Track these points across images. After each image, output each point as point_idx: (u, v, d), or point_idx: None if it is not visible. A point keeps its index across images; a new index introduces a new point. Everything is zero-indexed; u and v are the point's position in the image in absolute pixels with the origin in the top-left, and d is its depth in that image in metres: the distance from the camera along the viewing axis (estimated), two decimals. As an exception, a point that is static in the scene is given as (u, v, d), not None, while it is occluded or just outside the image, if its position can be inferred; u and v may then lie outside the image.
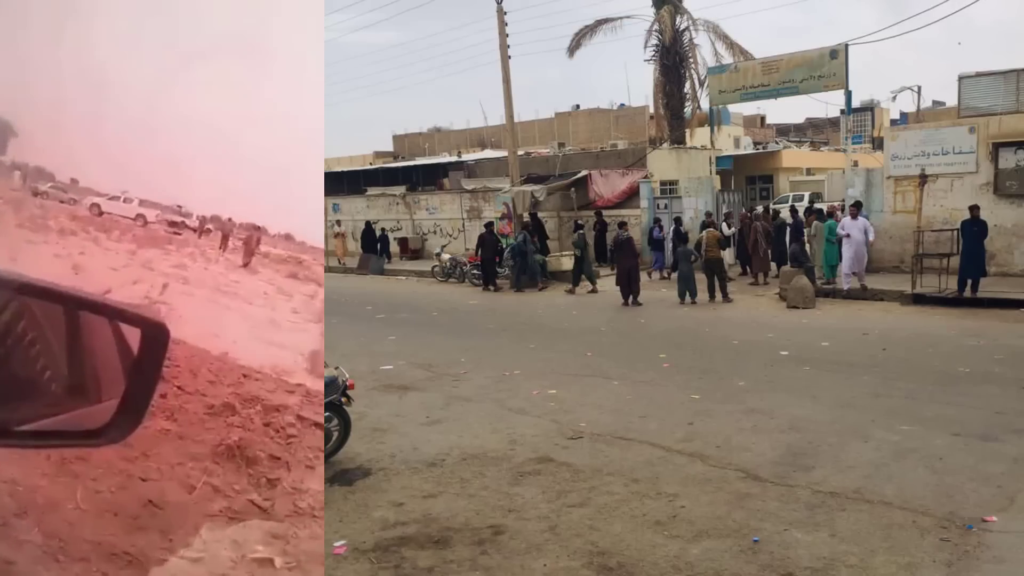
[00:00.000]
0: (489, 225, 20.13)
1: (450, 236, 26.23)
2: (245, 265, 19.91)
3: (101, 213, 25.50)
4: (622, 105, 44.02)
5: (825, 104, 68.01)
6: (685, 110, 25.06)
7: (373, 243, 26.26)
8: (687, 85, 24.54)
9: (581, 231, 18.28)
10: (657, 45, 24.28)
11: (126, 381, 1.29)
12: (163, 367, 1.33)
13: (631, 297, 15.09)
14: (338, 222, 29.52)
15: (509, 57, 21.72)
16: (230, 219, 25.51)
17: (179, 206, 30.49)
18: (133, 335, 1.28)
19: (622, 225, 16.80)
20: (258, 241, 21.47)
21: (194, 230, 28.73)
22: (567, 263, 18.77)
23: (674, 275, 16.61)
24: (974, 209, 13.27)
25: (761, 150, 34.78)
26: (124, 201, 27.50)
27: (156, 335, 1.26)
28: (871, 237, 14.68)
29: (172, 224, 27.93)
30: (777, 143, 40.65)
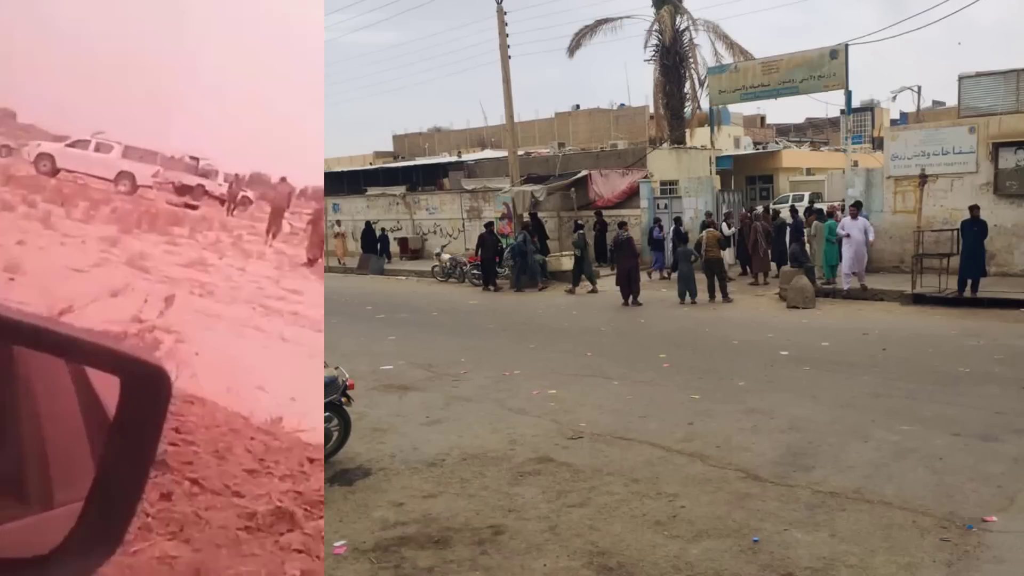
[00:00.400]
0: (489, 225, 20.13)
1: (450, 236, 26.23)
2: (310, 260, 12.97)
3: (55, 171, 14.58)
4: (622, 105, 44.02)
5: (825, 104, 68.00)
6: (685, 110, 25.06)
7: (373, 243, 26.25)
8: (687, 85, 24.55)
9: (581, 231, 18.29)
10: (657, 45, 24.29)
11: (96, 467, 0.77)
12: (161, 443, 0.80)
13: (631, 297, 15.09)
14: (338, 222, 29.52)
15: (509, 57, 21.73)
16: (284, 179, 15.85)
17: (194, 158, 17.76)
18: (107, 387, 0.77)
19: (622, 225, 16.81)
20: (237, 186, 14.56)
21: (221, 200, 17.27)
22: (567, 263, 18.77)
23: (674, 275, 16.61)
24: (974, 209, 13.27)
25: (761, 150, 34.78)
26: (96, 149, 15.52)
27: (148, 387, 0.76)
28: (871, 237, 14.68)
29: (183, 189, 16.58)
30: (777, 143, 40.65)
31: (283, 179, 16.42)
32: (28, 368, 0.75)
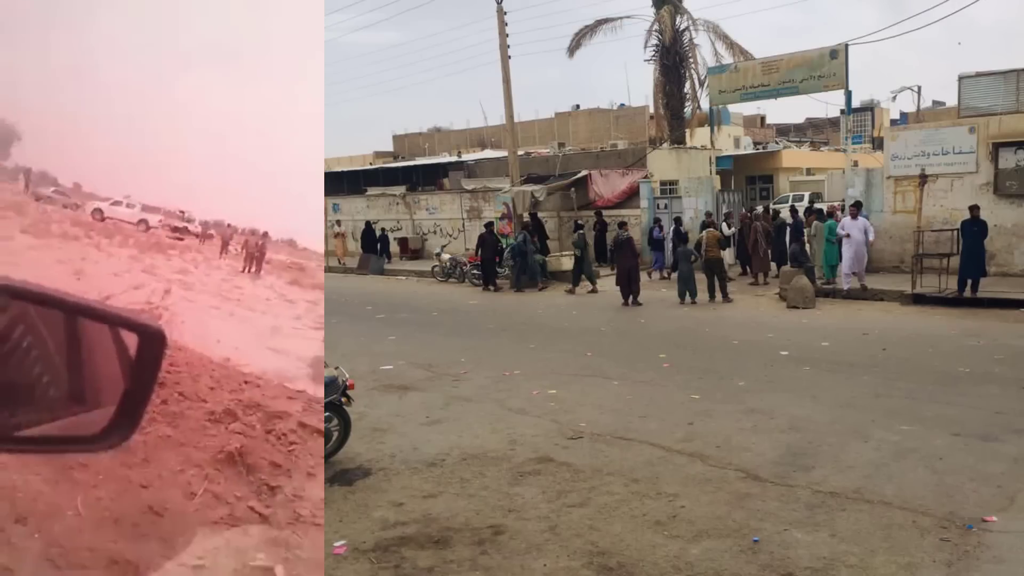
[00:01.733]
0: (489, 225, 20.12)
1: (450, 236, 26.23)
2: (249, 271, 19.73)
3: (104, 218, 25.24)
4: (622, 105, 44.02)
5: (825, 104, 68.05)
6: (685, 110, 25.06)
7: (373, 243, 26.25)
8: (687, 85, 24.55)
9: (581, 231, 18.28)
10: (657, 45, 24.29)
11: (123, 386, 1.28)
12: (161, 372, 1.32)
13: (631, 297, 15.09)
14: (338, 222, 29.52)
15: (509, 57, 21.73)
16: (230, 225, 25.95)
17: (181, 211, 30.26)
18: (132, 341, 1.27)
19: (622, 225, 16.80)
20: (261, 247, 21.08)
21: (196, 236, 28.46)
22: (567, 263, 18.77)
23: (674, 275, 16.61)
24: (974, 209, 13.27)
25: (761, 150, 34.79)
26: (127, 206, 26.97)
27: (153, 341, 1.25)
28: (871, 237, 14.68)
29: (175, 229, 27.71)
30: (777, 143, 40.67)
31: (229, 225, 26.20)
32: (86, 331, 1.28)
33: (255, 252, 20.34)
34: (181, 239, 25.84)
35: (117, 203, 27.06)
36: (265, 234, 22.03)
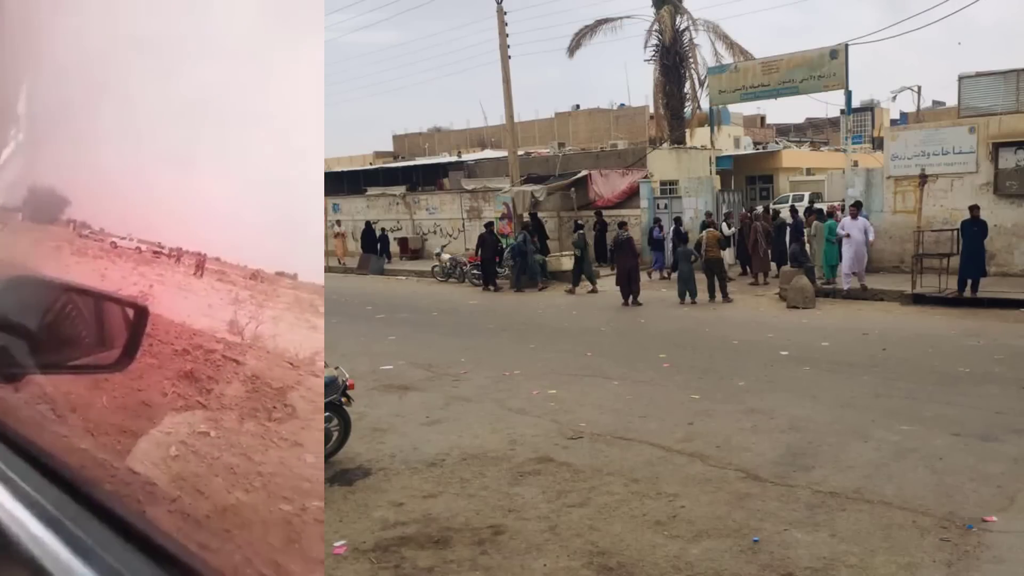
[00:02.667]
0: (489, 225, 20.12)
1: (450, 236, 26.23)
2: (196, 275, 21.01)
3: (115, 246, 27.21)
4: (622, 105, 44.05)
5: (825, 104, 68.12)
6: (685, 110, 25.08)
7: (373, 243, 26.25)
8: (687, 85, 24.56)
9: (581, 231, 18.28)
10: (657, 45, 24.30)
11: (126, 336, 2.06)
12: (147, 328, 2.13)
13: (631, 297, 15.09)
14: (338, 222, 29.52)
15: (509, 57, 21.73)
16: (200, 252, 28.22)
17: (160, 243, 34.62)
18: (130, 311, 2.10)
19: (622, 225, 16.80)
20: (202, 263, 22.42)
21: (168, 256, 31.29)
22: (567, 263, 18.77)
23: (674, 275, 16.61)
24: (974, 209, 13.27)
25: (761, 150, 34.80)
26: (128, 240, 30.19)
27: (143, 312, 2.09)
28: (871, 237, 14.68)
29: (156, 252, 30.56)
30: (777, 143, 40.68)
31: (199, 252, 31.49)
32: (105, 307, 2.17)
33: (201, 262, 21.31)
34: (158, 256, 28.10)
35: (124, 239, 31.31)
36: (203, 255, 23.37)
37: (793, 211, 17.46)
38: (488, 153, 36.33)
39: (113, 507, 1.63)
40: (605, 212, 21.43)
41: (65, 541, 1.49)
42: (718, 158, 23.33)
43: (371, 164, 41.12)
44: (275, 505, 2.01)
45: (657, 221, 19.92)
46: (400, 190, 29.18)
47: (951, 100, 23.75)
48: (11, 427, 2.22)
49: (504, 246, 20.05)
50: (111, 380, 2.45)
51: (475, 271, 20.06)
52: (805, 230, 16.10)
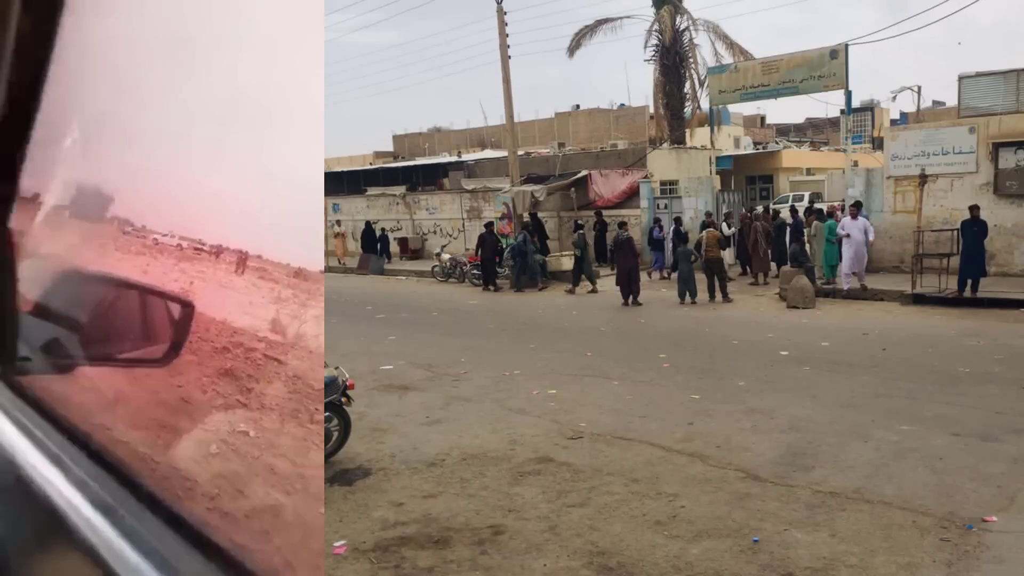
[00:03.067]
0: (489, 225, 20.12)
1: (450, 236, 26.23)
2: (238, 272, 20.87)
3: (157, 243, 27.67)
4: (622, 105, 44.06)
5: (825, 104, 68.21)
6: (685, 110, 25.08)
7: (373, 243, 26.25)
8: (687, 85, 24.56)
9: (581, 231, 18.28)
10: (657, 45, 24.30)
11: (172, 331, 2.12)
12: (191, 325, 2.16)
13: (631, 297, 15.09)
14: (338, 222, 29.52)
15: (509, 57, 21.73)
16: (242, 250, 28.71)
17: (200, 240, 35.11)
18: (176, 308, 2.16)
19: (622, 225, 16.80)
20: (243, 260, 22.54)
21: (209, 252, 31.76)
22: (567, 263, 18.77)
23: (674, 275, 16.61)
24: (974, 209, 13.27)
25: (761, 150, 34.80)
26: (170, 237, 31.26)
27: (189, 307, 2.12)
28: (871, 237, 14.68)
29: (196, 249, 31.40)
30: (777, 143, 40.68)
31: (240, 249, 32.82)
32: (152, 302, 2.27)
33: (243, 259, 21.27)
34: (199, 253, 28.54)
35: (164, 235, 33.12)
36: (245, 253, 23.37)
37: (793, 211, 17.46)
38: (488, 153, 36.34)
39: (163, 498, 1.70)
40: (605, 212, 21.43)
41: (119, 529, 1.60)
42: (718, 158, 23.32)
43: (371, 164, 41.13)
44: (316, 508, 1.97)
45: (657, 221, 19.92)
46: (400, 190, 29.18)
47: (951, 100, 23.79)
48: (66, 417, 2.30)
49: (504, 246, 20.05)
50: (151, 375, 2.48)
51: (475, 271, 20.05)
52: (805, 230, 16.09)
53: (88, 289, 2.42)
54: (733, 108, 35.74)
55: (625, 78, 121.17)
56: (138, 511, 1.66)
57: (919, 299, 13.49)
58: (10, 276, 2.89)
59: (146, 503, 1.68)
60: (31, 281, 2.77)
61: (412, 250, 27.02)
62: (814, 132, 49.16)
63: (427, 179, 31.63)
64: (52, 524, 1.81)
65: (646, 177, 22.19)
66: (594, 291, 17.16)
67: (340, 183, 32.63)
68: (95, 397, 2.50)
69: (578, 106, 46.49)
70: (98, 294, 2.37)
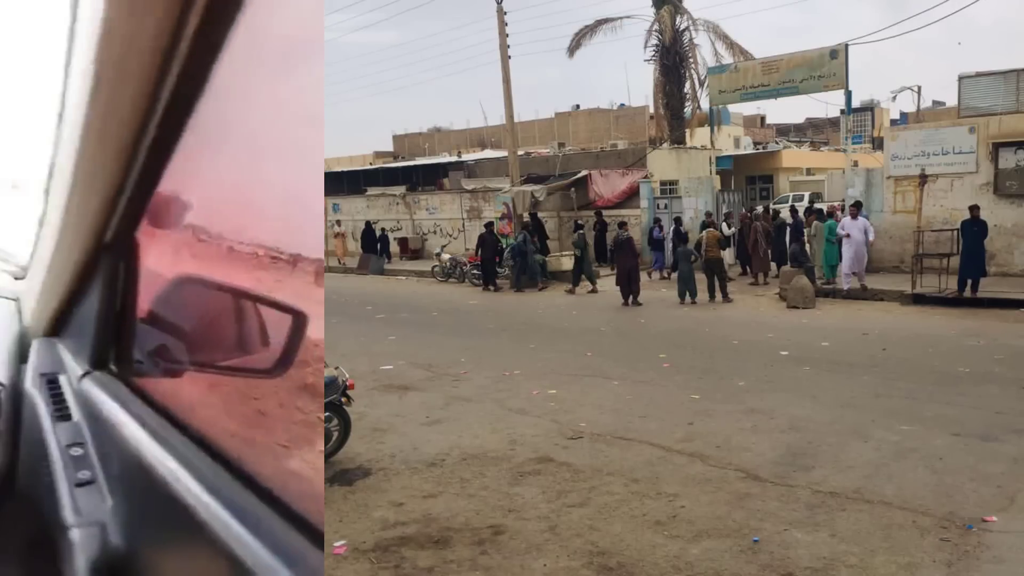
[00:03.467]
0: (489, 225, 20.12)
1: (450, 236, 26.23)
2: (317, 283, 21.73)
3: (233, 251, 28.22)
4: (622, 105, 44.08)
5: (825, 104, 68.26)
6: (685, 110, 25.08)
7: (373, 243, 26.25)
8: (687, 85, 24.56)
9: (581, 231, 18.28)
10: (657, 45, 24.31)
11: (283, 343, 2.00)
12: (303, 337, 2.00)
13: (631, 297, 15.09)
14: (338, 222, 29.53)
15: (509, 57, 21.73)
16: (320, 259, 29.30)
17: (278, 248, 37.10)
18: (287, 318, 2.02)
19: (622, 225, 16.80)
20: (320, 270, 23.18)
21: (286, 261, 32.80)
22: (567, 263, 18.77)
23: (674, 275, 16.61)
24: (974, 209, 13.27)
25: (761, 150, 34.81)
26: (246, 245, 32.78)
27: (302, 318, 2.00)
28: (871, 237, 14.68)
29: (273, 257, 32.64)
30: (777, 143, 40.68)
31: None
32: (262, 310, 2.18)
33: (320, 270, 22.05)
34: (276, 262, 29.12)
35: (240, 243, 34.86)
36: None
37: (793, 211, 17.46)
38: (488, 153, 36.35)
39: (281, 495, 1.76)
40: (605, 212, 21.43)
41: (244, 523, 1.71)
42: (718, 158, 23.32)
43: (371, 164, 41.14)
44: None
45: (657, 221, 19.92)
46: (400, 190, 29.18)
47: (951, 100, 23.81)
48: (185, 419, 2.36)
49: (504, 246, 20.05)
50: (224, 384, 2.45)
51: (475, 271, 20.05)
52: (805, 230, 16.09)
53: (199, 295, 2.40)
54: (733, 108, 35.76)
55: (625, 78, 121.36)
56: (261, 508, 1.74)
57: (919, 299, 13.49)
58: (134, 285, 2.91)
59: (265, 500, 1.76)
60: (145, 288, 2.84)
61: (412, 250, 27.02)
62: (814, 132, 49.17)
63: (427, 179, 31.64)
64: (176, 511, 1.95)
65: (646, 177, 22.19)
66: (594, 291, 17.16)
67: (340, 183, 32.63)
68: (196, 399, 2.52)
69: (578, 106, 46.52)
70: (209, 300, 2.35)
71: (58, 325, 3.80)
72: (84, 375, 3.20)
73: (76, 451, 2.88)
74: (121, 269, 2.96)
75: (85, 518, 2.53)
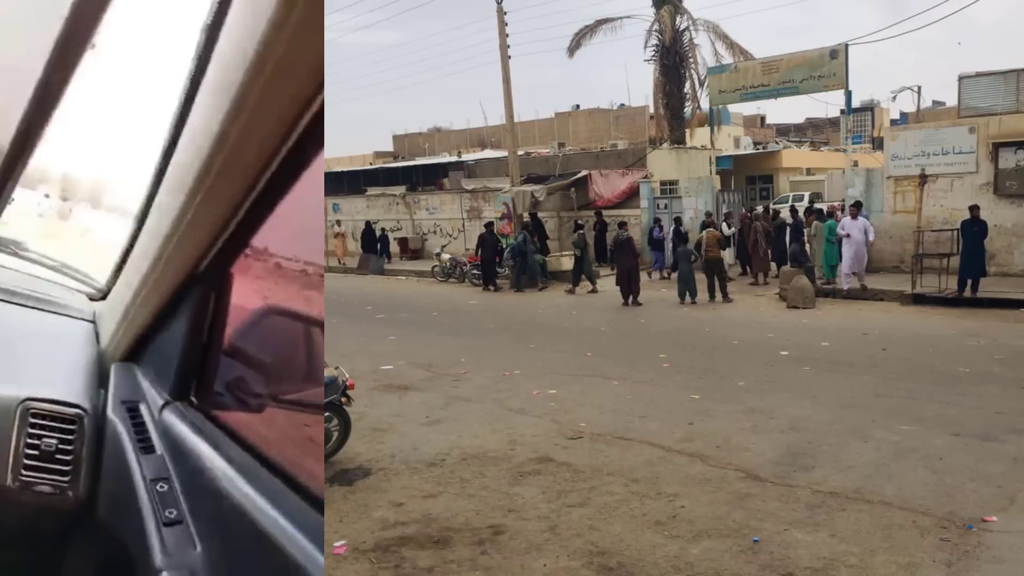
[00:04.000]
0: (489, 225, 20.12)
1: (450, 236, 26.23)
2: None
3: (280, 267, 28.05)
4: (622, 105, 44.06)
5: (825, 104, 68.19)
6: (685, 110, 25.08)
7: (373, 243, 26.25)
8: (687, 85, 24.56)
9: (581, 231, 18.28)
10: (657, 45, 24.30)
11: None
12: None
13: (631, 297, 15.09)
14: (338, 222, 29.52)
15: (509, 57, 21.72)
16: None
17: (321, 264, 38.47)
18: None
19: (622, 225, 16.80)
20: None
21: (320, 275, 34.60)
22: (567, 263, 18.77)
23: (674, 275, 16.61)
24: (974, 209, 13.27)
25: (761, 150, 34.80)
26: (295, 261, 32.36)
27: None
28: (871, 237, 14.68)
29: (322, 276, 33.74)
30: (777, 143, 40.68)
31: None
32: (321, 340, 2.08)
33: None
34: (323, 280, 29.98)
35: (288, 259, 35.12)
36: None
37: (793, 211, 17.46)
38: (488, 153, 36.34)
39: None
40: (605, 212, 21.43)
41: (316, 544, 1.76)
42: (718, 158, 23.32)
43: (371, 164, 41.13)
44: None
45: (657, 221, 19.91)
46: (400, 190, 29.18)
47: (951, 100, 23.80)
48: (265, 453, 2.31)
49: (504, 246, 20.05)
50: (277, 412, 2.41)
51: (475, 271, 20.05)
52: (805, 230, 16.09)
53: (281, 327, 2.40)
54: (733, 108, 35.75)
55: (625, 78, 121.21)
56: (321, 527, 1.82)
57: (919, 299, 13.49)
58: (223, 316, 2.89)
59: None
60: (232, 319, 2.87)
61: (412, 250, 27.02)
62: (814, 132, 49.16)
63: (427, 179, 31.63)
64: (251, 532, 1.98)
65: (646, 177, 22.19)
66: (594, 291, 17.16)
67: (340, 183, 32.62)
68: (269, 431, 2.47)
69: (578, 106, 46.50)
70: (292, 332, 2.34)
71: (137, 351, 3.67)
72: (165, 405, 3.11)
73: (162, 486, 2.78)
74: (212, 300, 2.92)
75: (175, 560, 2.43)
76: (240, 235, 2.59)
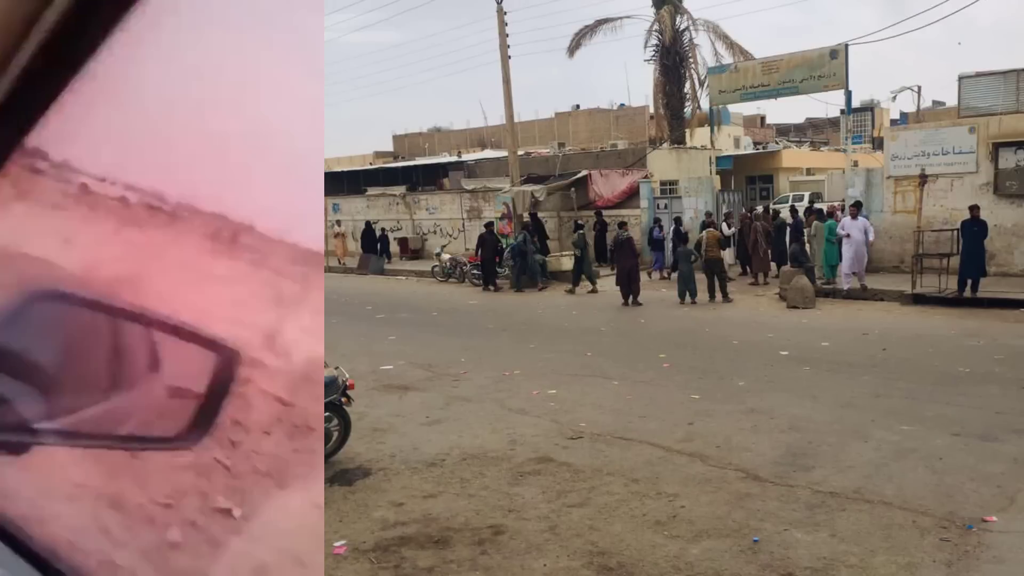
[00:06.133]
0: (489, 225, 20.13)
1: (450, 236, 26.24)
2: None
3: (87, 191, 25.71)
4: (622, 105, 44.05)
5: (825, 104, 68.29)
6: (685, 110, 25.10)
7: (373, 243, 26.25)
8: (687, 85, 24.58)
9: (581, 231, 18.28)
10: (657, 45, 24.32)
11: (201, 396, 1.30)
12: (233, 384, 1.31)
13: (631, 297, 15.09)
14: (338, 222, 29.53)
15: (509, 57, 21.72)
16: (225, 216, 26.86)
17: (161, 193, 35.90)
18: (208, 358, 1.27)
19: (622, 225, 16.80)
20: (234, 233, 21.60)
21: (173, 215, 31.53)
22: (567, 263, 18.77)
23: (674, 275, 16.61)
24: (974, 209, 13.27)
25: (761, 150, 34.80)
26: (109, 183, 28.46)
27: (230, 359, 1.27)
28: (871, 237, 14.68)
29: (151, 207, 30.29)
30: (777, 143, 40.68)
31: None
32: (166, 344, 1.36)
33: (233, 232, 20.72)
34: (155, 215, 27.63)
35: (100, 180, 31.02)
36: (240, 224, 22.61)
37: (793, 211, 17.47)
38: (488, 153, 36.33)
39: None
40: (605, 212, 21.44)
41: None
42: (718, 158, 23.32)
43: (371, 164, 41.13)
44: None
45: (657, 221, 19.92)
46: (400, 190, 29.19)
47: (951, 100, 23.82)
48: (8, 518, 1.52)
49: (504, 246, 20.05)
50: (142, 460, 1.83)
51: (475, 271, 20.06)
52: (805, 230, 16.09)
53: (60, 322, 1.44)
54: (733, 108, 35.71)
55: (625, 78, 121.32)
56: None
57: (919, 299, 13.49)
58: None
59: None
60: None
61: (412, 250, 27.03)
62: (814, 132, 49.15)
63: (427, 179, 31.64)
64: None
65: (646, 177, 22.20)
66: (594, 291, 17.16)
67: (340, 183, 32.63)
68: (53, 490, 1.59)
69: (578, 106, 46.48)
70: (75, 330, 1.40)
71: None
72: None
73: None
74: None
75: None
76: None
